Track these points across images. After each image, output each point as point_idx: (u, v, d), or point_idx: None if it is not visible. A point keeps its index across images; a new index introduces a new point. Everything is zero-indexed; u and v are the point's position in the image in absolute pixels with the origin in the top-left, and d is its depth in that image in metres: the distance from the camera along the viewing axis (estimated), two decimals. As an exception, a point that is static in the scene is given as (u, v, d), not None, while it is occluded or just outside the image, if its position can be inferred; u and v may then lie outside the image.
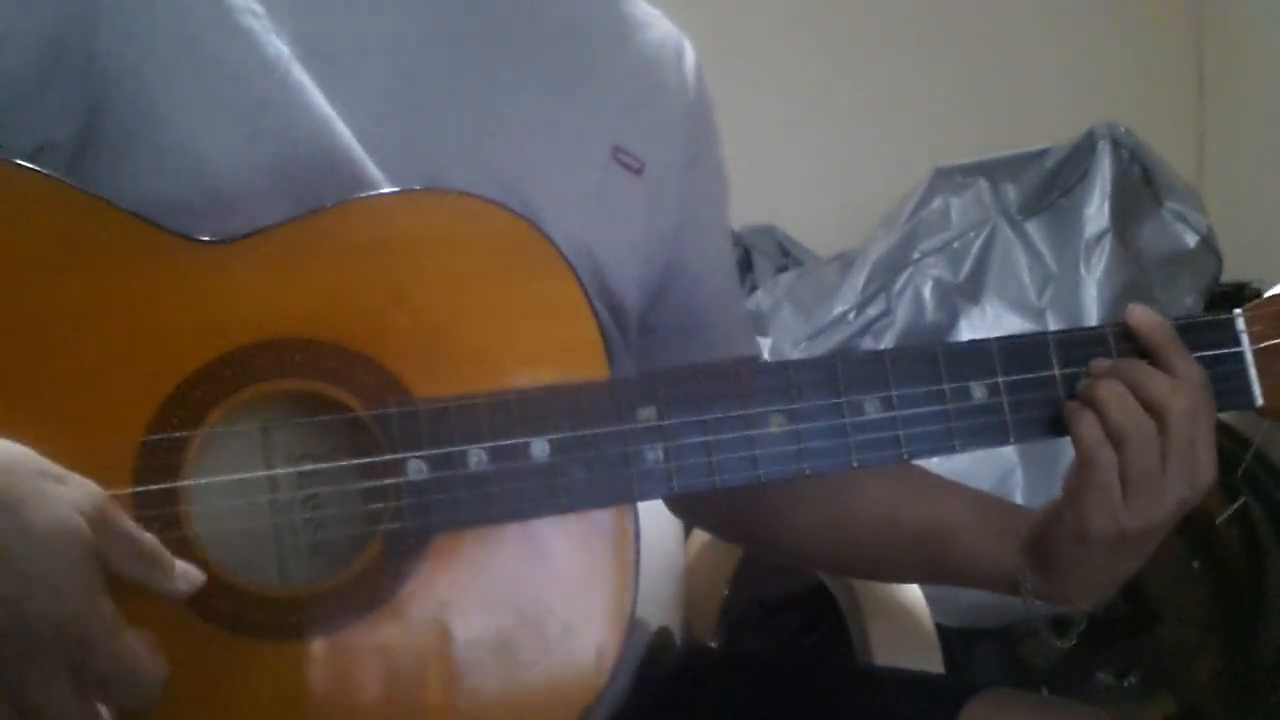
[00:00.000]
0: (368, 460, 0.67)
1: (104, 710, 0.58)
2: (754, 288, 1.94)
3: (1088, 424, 0.72)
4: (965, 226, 1.75)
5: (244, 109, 0.70)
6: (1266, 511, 1.69)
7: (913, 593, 1.10)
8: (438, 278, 0.69)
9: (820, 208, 2.13)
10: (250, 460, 0.67)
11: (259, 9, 0.72)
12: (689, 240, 0.90)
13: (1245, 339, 0.77)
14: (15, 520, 0.55)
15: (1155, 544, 0.75)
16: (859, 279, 1.77)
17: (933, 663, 1.06)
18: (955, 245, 1.74)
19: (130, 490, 0.63)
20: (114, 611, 0.58)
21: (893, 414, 0.73)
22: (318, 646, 0.65)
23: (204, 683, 0.64)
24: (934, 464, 0.83)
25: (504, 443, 0.68)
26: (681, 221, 0.89)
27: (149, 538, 0.60)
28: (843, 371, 0.73)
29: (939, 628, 1.10)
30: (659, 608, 1.07)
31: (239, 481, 0.66)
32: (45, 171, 0.65)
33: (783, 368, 0.73)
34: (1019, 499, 1.48)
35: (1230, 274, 1.75)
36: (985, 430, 0.74)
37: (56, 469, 0.58)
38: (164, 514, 0.63)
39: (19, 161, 0.65)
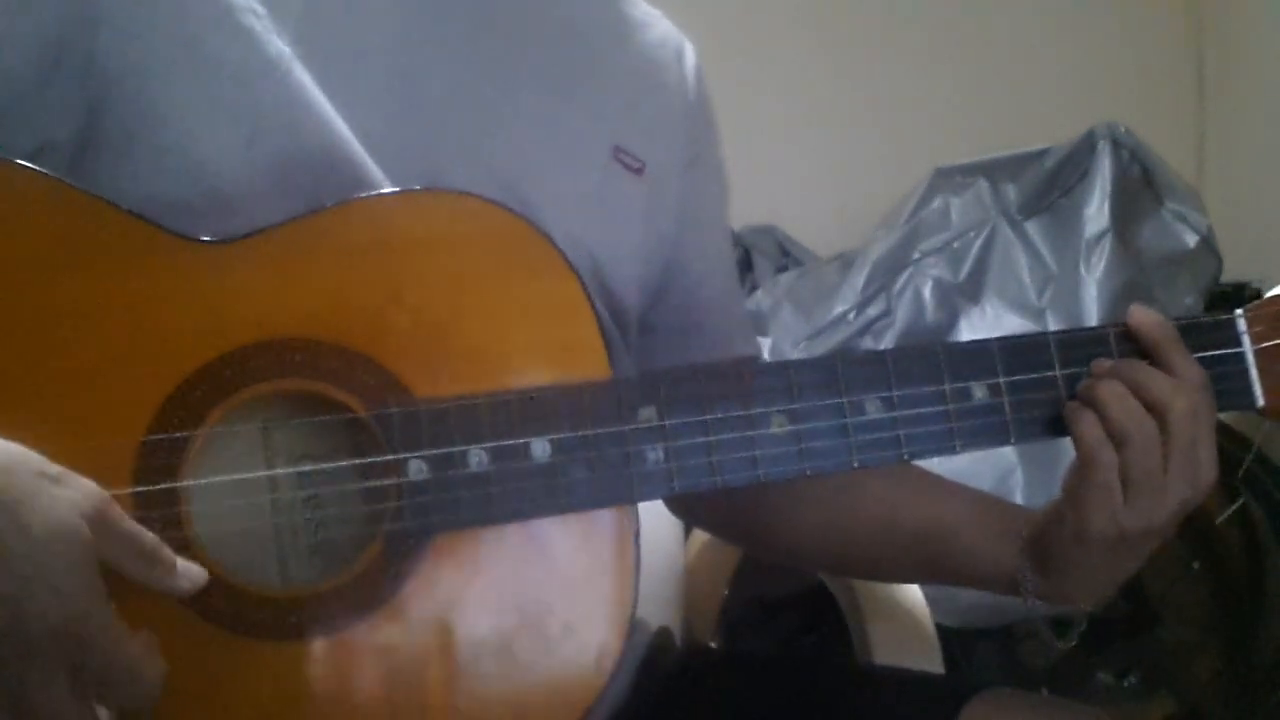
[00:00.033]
0: (368, 460, 0.67)
1: (102, 712, 0.58)
2: (754, 288, 1.94)
3: (1089, 424, 0.72)
4: (965, 226, 1.75)
5: (244, 109, 0.70)
6: (1266, 511, 1.69)
7: (913, 593, 1.10)
8: (438, 277, 0.69)
9: (820, 208, 2.13)
10: (251, 460, 0.67)
11: (260, 9, 0.72)
12: (689, 240, 0.90)
13: (1246, 339, 0.77)
14: (14, 521, 0.55)
15: (1156, 544, 0.75)
16: (859, 279, 1.77)
17: (933, 663, 1.06)
18: (955, 245, 1.74)
19: (130, 490, 0.63)
20: (113, 612, 0.58)
21: (894, 414, 0.73)
22: (318, 646, 0.65)
23: (204, 682, 0.64)
24: (934, 464, 0.82)
25: (504, 443, 0.68)
26: (681, 221, 0.89)
27: (150, 536, 0.60)
28: (843, 371, 0.73)
29: (939, 628, 1.10)
30: (659, 608, 1.07)
31: (239, 481, 0.66)
32: (45, 171, 0.65)
33: (783, 368, 0.73)
34: (1019, 499, 1.48)
35: (1230, 274, 1.75)
36: (986, 430, 0.74)
37: (56, 469, 0.58)
38: (164, 514, 0.63)
39: (19, 161, 0.65)
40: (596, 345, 0.70)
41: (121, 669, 0.58)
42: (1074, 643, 1.63)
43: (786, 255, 2.07)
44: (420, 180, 0.73)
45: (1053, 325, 1.62)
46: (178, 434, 0.64)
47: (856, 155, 2.21)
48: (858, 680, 0.94)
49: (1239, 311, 0.77)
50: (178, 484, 0.64)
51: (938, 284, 1.71)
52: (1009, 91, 2.26)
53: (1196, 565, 1.73)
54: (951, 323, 1.70)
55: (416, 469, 0.67)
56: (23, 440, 0.58)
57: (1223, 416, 0.76)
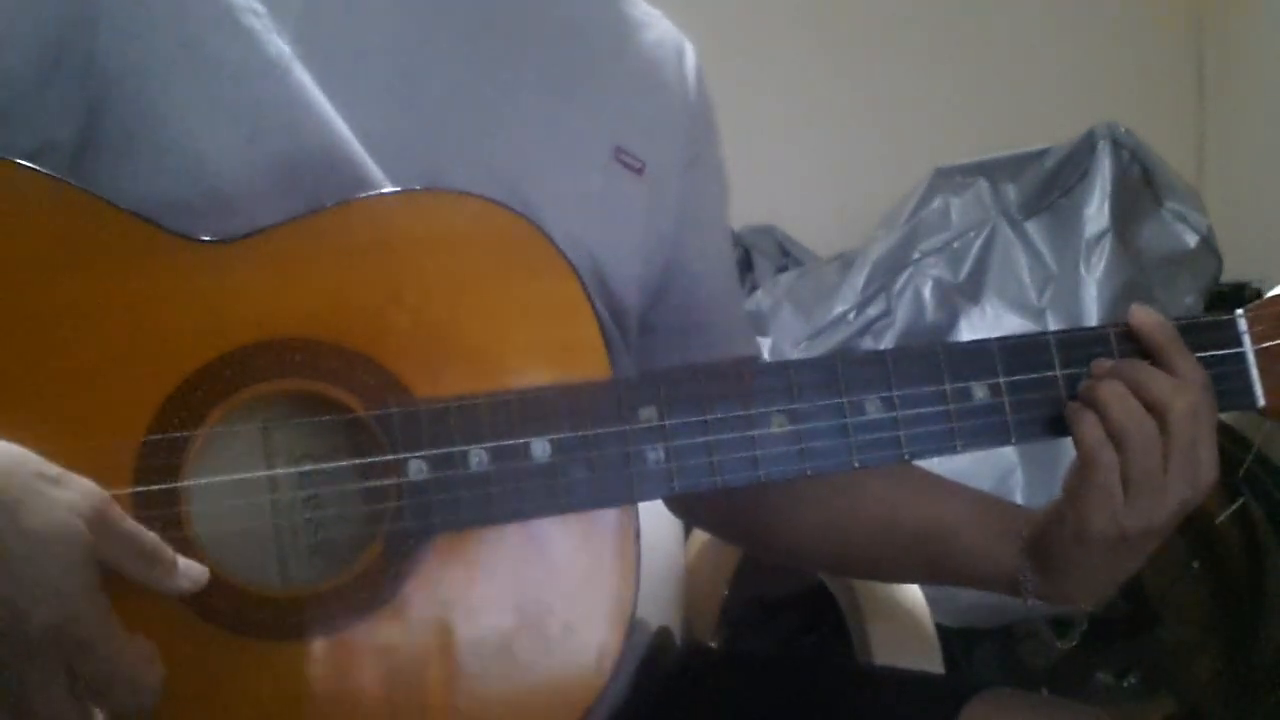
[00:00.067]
0: (368, 460, 0.67)
1: (100, 714, 0.58)
2: (754, 288, 1.94)
3: (1089, 424, 0.72)
4: (965, 226, 1.75)
5: (244, 109, 0.70)
6: (1266, 511, 1.70)
7: (913, 593, 1.10)
8: (438, 277, 0.69)
9: (820, 208, 2.13)
10: (251, 460, 0.67)
11: (260, 9, 0.72)
12: (689, 240, 0.90)
13: (1247, 339, 0.77)
14: (13, 522, 0.55)
15: (1156, 544, 0.75)
16: (859, 279, 1.77)
17: (933, 663, 1.06)
18: (955, 245, 1.74)
19: (130, 490, 0.63)
20: (112, 614, 0.58)
21: (894, 414, 0.73)
22: (318, 646, 0.65)
23: (204, 683, 0.64)
24: (934, 464, 0.82)
25: (505, 443, 0.68)
26: (682, 221, 0.89)
27: (150, 536, 0.60)
28: (843, 371, 0.73)
29: (939, 628, 1.10)
30: (659, 608, 1.07)
31: (240, 481, 0.66)
32: (45, 171, 0.65)
33: (783, 368, 0.73)
34: (1019, 499, 1.48)
35: (1230, 274, 1.75)
36: (987, 430, 0.74)
37: (55, 470, 0.58)
38: (165, 514, 0.63)
39: (19, 161, 0.65)
40: (597, 345, 0.70)
41: (119, 672, 0.58)
42: (1074, 643, 1.63)
43: (786, 255, 2.07)
44: (420, 180, 0.73)
45: (1053, 325, 1.62)
46: (178, 434, 0.64)
47: (856, 155, 2.21)
48: (858, 680, 0.94)
49: (1240, 311, 0.77)
50: (178, 484, 0.64)
51: (938, 284, 1.71)
52: (1009, 91, 2.26)
53: (1196, 565, 1.73)
54: (951, 323, 1.70)
55: (416, 469, 0.67)
56: (23, 440, 0.58)
57: (1223, 416, 0.76)
